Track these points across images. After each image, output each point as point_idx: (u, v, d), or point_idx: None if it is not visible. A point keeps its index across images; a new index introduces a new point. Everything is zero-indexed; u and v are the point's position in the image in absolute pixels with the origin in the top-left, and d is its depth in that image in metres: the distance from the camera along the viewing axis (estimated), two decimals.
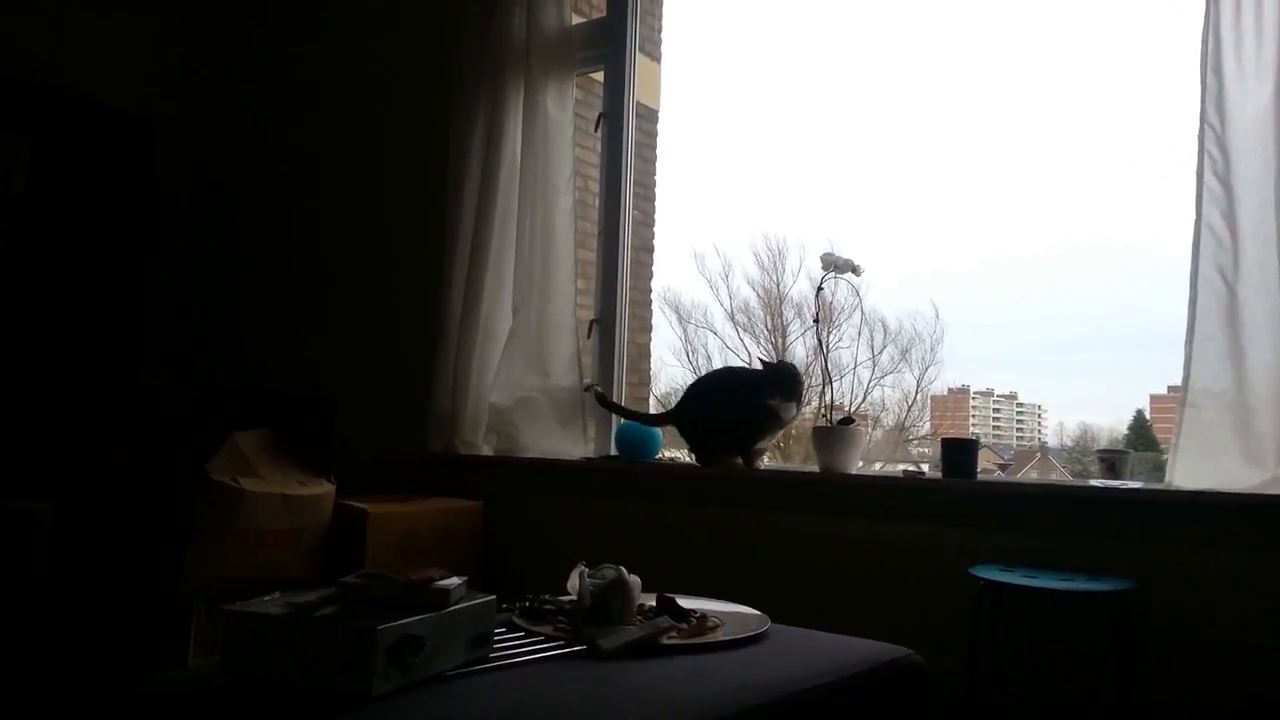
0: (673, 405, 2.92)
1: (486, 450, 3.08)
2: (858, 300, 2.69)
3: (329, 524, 2.54)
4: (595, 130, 3.21)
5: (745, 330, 3.54)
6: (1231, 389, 2.08)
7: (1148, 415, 2.88)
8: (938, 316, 3.08)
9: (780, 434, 2.71)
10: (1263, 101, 2.09)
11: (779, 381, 2.62)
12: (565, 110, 3.10)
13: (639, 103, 3.22)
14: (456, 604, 1.41)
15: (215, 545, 2.29)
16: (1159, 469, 2.30)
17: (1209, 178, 2.14)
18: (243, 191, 3.95)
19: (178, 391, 3.33)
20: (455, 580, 1.44)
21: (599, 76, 3.24)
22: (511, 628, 1.62)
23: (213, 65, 3.96)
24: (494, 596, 1.50)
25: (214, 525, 2.29)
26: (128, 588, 2.37)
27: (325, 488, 2.54)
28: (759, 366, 2.67)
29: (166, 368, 3.72)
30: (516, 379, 3.05)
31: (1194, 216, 2.15)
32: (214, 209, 3.95)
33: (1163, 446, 2.45)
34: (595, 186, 3.24)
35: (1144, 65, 2.70)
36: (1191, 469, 2.11)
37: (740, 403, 2.65)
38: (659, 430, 2.96)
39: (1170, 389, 2.50)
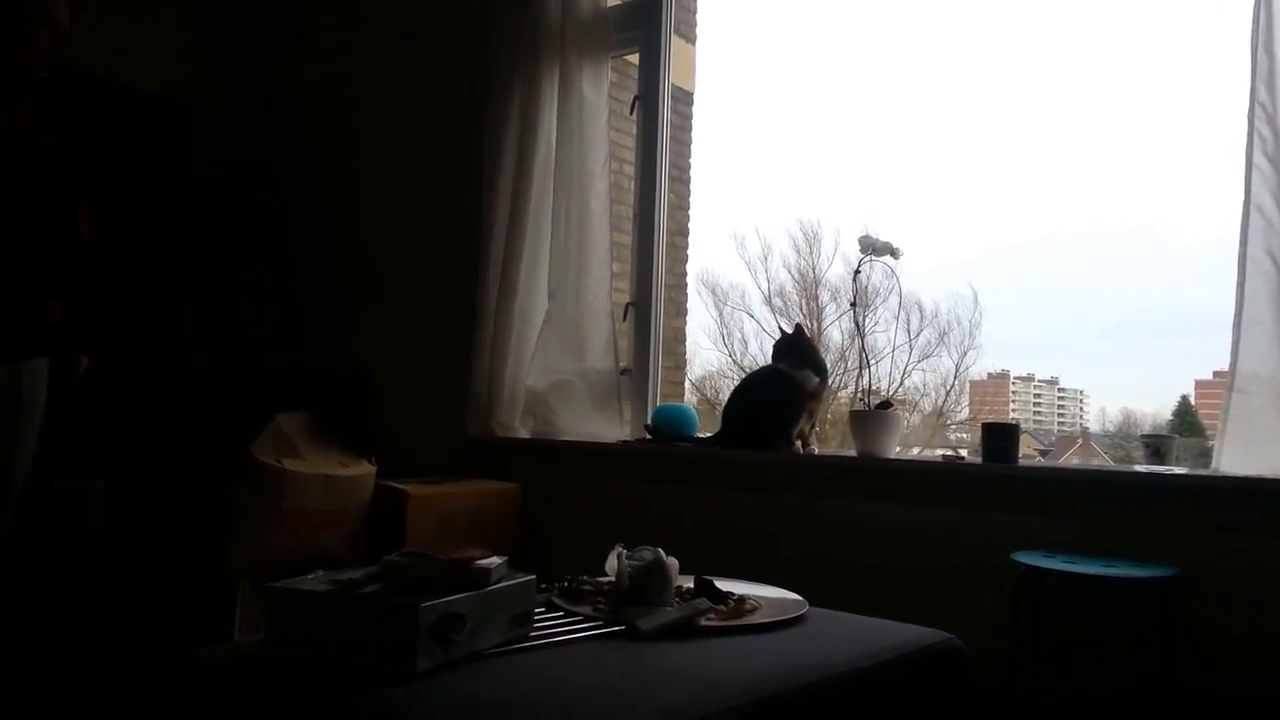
0: (707, 389, 2.92)
1: (523, 433, 3.10)
2: (894, 283, 2.67)
3: (370, 505, 2.58)
4: (630, 113, 3.20)
5: (780, 314, 3.52)
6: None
7: (1193, 401, 2.83)
8: (976, 300, 3.05)
9: (814, 413, 2.69)
10: None
11: (784, 344, 2.66)
12: (600, 93, 3.10)
13: (674, 85, 3.20)
14: (497, 583, 1.42)
15: (259, 525, 2.33)
16: (1204, 455, 2.26)
17: (1258, 158, 2.09)
18: (285, 178, 3.99)
19: (223, 376, 3.39)
20: (496, 560, 1.45)
21: (634, 59, 3.23)
22: (551, 608, 1.64)
23: (254, 54, 3.99)
24: (534, 576, 1.51)
25: (258, 505, 2.33)
26: (175, 567, 2.42)
27: (366, 469, 2.57)
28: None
29: (212, 352, 3.78)
30: (553, 362, 3.06)
31: (1242, 198, 2.11)
32: (257, 196, 3.99)
33: (1209, 432, 2.41)
34: (630, 170, 3.23)
35: (1192, 43, 2.64)
36: (1239, 455, 2.07)
37: (766, 387, 2.68)
38: (693, 410, 2.96)
39: (1216, 374, 2.46)
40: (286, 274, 3.96)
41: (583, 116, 3.08)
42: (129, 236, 3.57)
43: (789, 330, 2.71)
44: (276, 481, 2.32)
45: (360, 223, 3.78)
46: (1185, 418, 2.81)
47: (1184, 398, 2.85)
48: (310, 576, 1.44)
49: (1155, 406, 2.94)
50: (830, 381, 2.73)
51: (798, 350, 2.65)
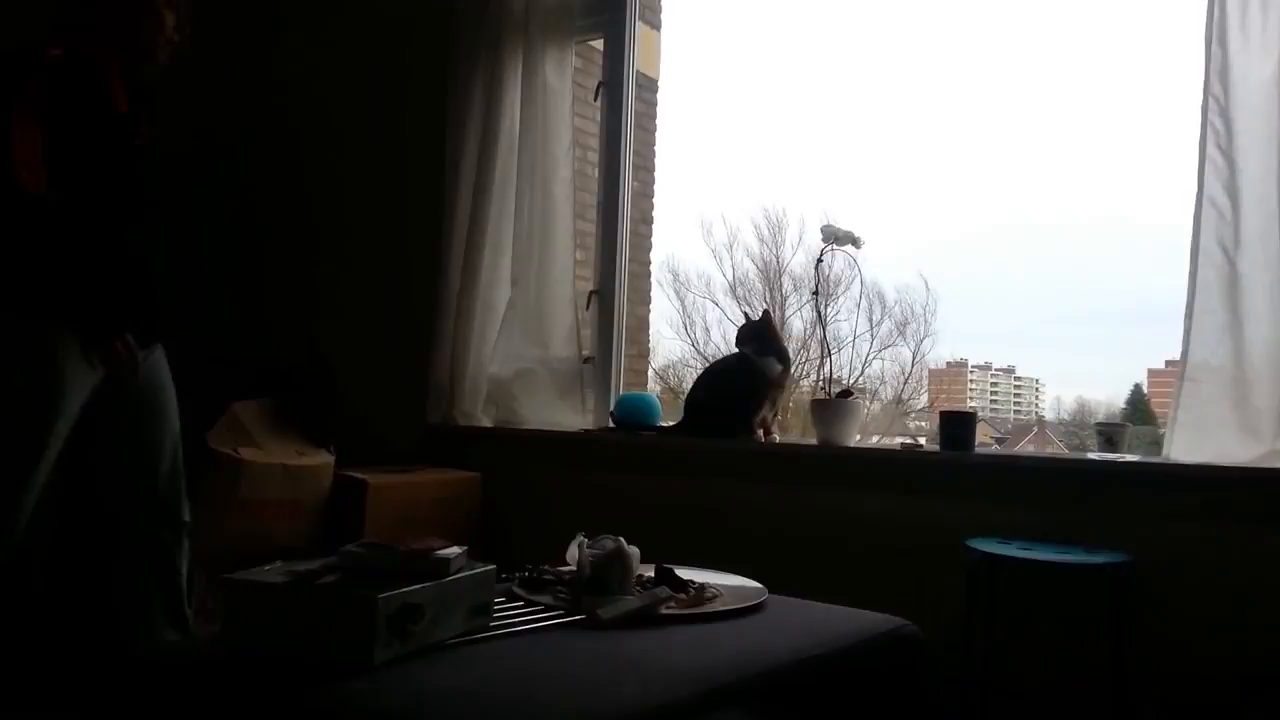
0: (671, 378, 2.93)
1: (485, 422, 3.09)
2: (856, 273, 2.69)
3: (329, 494, 2.56)
4: (595, 99, 3.18)
5: (744, 303, 3.54)
6: (1230, 363, 2.09)
7: (1145, 390, 2.89)
8: (928, 288, 3.09)
9: (776, 401, 2.71)
10: (1267, 73, 2.08)
11: (749, 329, 2.67)
12: (564, 79, 3.08)
13: (639, 72, 3.19)
14: (457, 573, 1.41)
15: (217, 515, 2.30)
16: (1156, 443, 2.31)
17: (1211, 150, 2.13)
18: (248, 162, 3.92)
19: (179, 362, 3.33)
20: (455, 550, 1.44)
21: (598, 45, 3.21)
22: (511, 597, 1.63)
23: (220, 35, 3.90)
24: (494, 566, 1.50)
25: (215, 495, 2.30)
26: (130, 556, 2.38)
27: (325, 458, 2.55)
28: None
29: (169, 339, 3.70)
30: (515, 350, 3.05)
31: (1195, 189, 2.15)
32: (218, 178, 3.92)
33: (1160, 421, 2.45)
34: (594, 157, 3.22)
35: (1147, 37, 2.68)
36: (1189, 443, 2.12)
37: (729, 376, 2.70)
38: (656, 399, 2.97)
39: (1168, 363, 2.50)
40: (246, 259, 3.90)
41: (546, 102, 3.06)
42: None
43: (756, 317, 2.72)
44: (233, 471, 2.29)
45: (322, 208, 3.73)
46: (1138, 406, 2.86)
47: (1137, 386, 2.91)
48: (268, 567, 1.42)
49: (1109, 395, 3.00)
50: (792, 370, 2.75)
51: (763, 337, 2.66)
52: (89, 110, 2.01)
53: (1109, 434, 2.27)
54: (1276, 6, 2.08)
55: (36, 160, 1.88)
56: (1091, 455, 2.29)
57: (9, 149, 1.87)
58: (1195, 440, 2.11)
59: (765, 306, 3.07)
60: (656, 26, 3.34)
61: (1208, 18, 2.15)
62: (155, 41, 2.15)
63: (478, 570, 1.46)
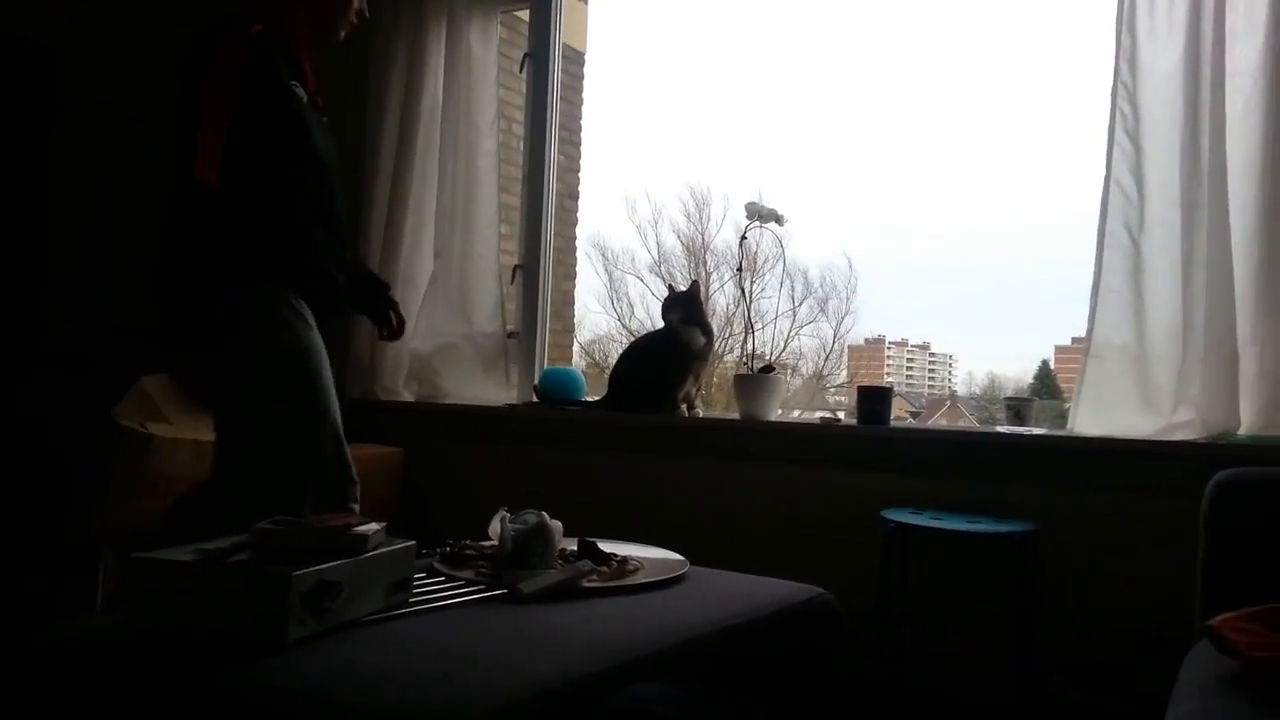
0: (596, 353, 2.93)
1: (407, 397, 3.05)
2: (780, 251, 2.72)
3: None
4: (520, 71, 3.14)
5: (669, 279, 3.55)
6: (1132, 341, 2.17)
7: (1052, 365, 2.99)
8: (851, 267, 3.14)
9: (699, 376, 2.73)
10: (1173, 59, 2.15)
11: (676, 298, 2.68)
12: (489, 49, 3.03)
13: (566, 44, 3.16)
14: (374, 549, 1.40)
15: (125, 492, 2.23)
16: (1061, 417, 2.39)
17: (1120, 135, 2.20)
18: (156, 127, 3.77)
19: (85, 333, 3.20)
20: (374, 526, 1.42)
21: (524, 15, 3.17)
22: (432, 573, 1.62)
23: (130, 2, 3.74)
24: (413, 542, 1.49)
25: (123, 472, 2.23)
26: (35, 535, 2.30)
27: None
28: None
29: (73, 308, 3.56)
30: (438, 325, 3.01)
31: (1104, 173, 2.22)
32: (121, 146, 3.76)
33: (1066, 396, 2.54)
34: (519, 129, 3.18)
35: (1061, 25, 2.75)
36: (1093, 417, 2.20)
37: (652, 350, 2.71)
38: (581, 374, 2.96)
39: (1074, 340, 2.60)
40: (152, 227, 3.75)
41: (470, 73, 3.01)
42: None
43: (684, 287, 2.72)
44: (141, 447, 2.21)
45: None
46: (1045, 381, 2.96)
47: (1044, 363, 3.01)
48: (178, 546, 1.39)
49: (1019, 371, 3.10)
50: (715, 345, 2.77)
51: (690, 305, 2.66)
52: (286, 86, 1.97)
53: (1017, 408, 2.35)
54: None
55: (215, 151, 1.82)
56: (1001, 429, 2.37)
57: (193, 135, 1.81)
58: (1099, 414, 2.19)
59: (695, 278, 3.09)
60: None
61: (1118, 5, 2.21)
62: (342, 19, 2.13)
63: (396, 546, 1.44)
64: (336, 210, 2.10)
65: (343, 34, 2.17)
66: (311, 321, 2.00)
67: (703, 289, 2.83)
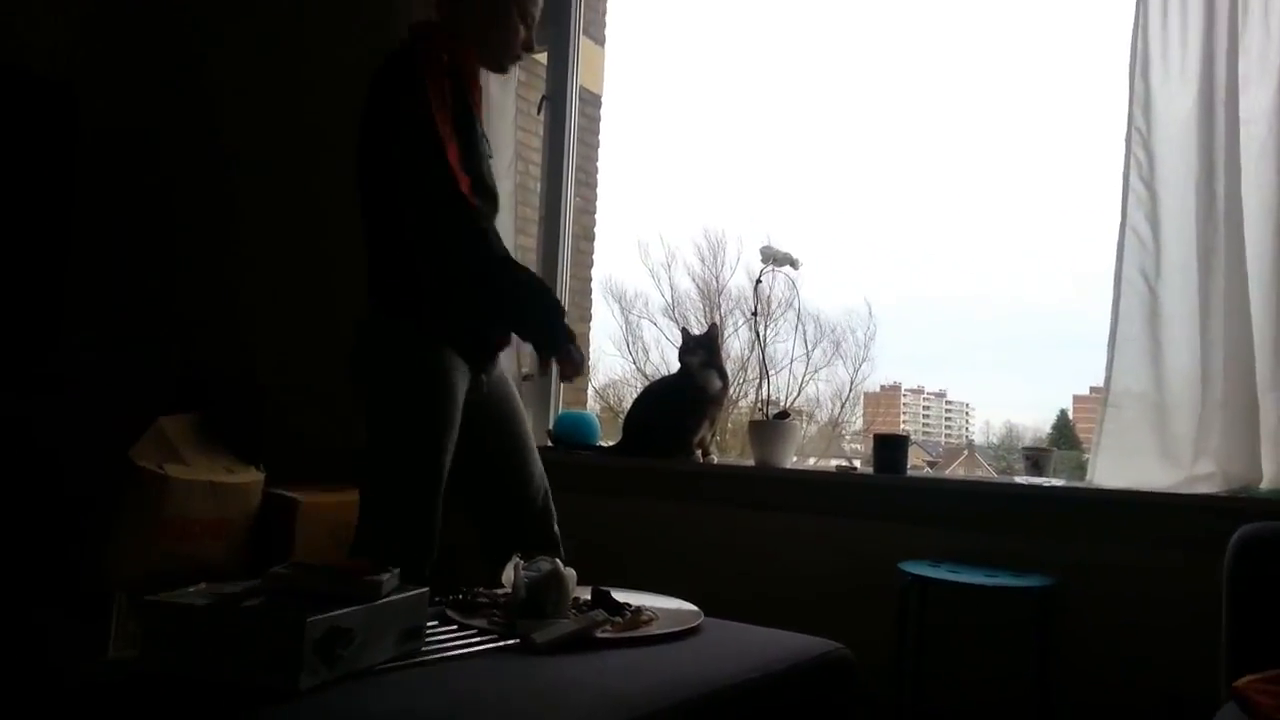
0: (611, 397, 2.93)
1: None
2: (795, 294, 2.72)
3: (257, 513, 2.49)
4: (538, 113, 3.17)
5: (683, 322, 3.55)
6: (1151, 389, 2.15)
7: (1070, 415, 2.97)
8: (870, 314, 3.14)
9: (715, 421, 2.72)
10: (1187, 105, 2.16)
11: (696, 340, 2.68)
12: (508, 92, 3.07)
13: (583, 87, 3.19)
14: (388, 596, 1.39)
15: (140, 533, 2.23)
16: (1080, 467, 2.37)
17: (1135, 181, 2.21)
18: (180, 168, 3.83)
19: (104, 373, 3.23)
20: (387, 572, 1.42)
21: (542, 58, 3.21)
22: (444, 621, 1.61)
23: (149, 34, 3.82)
24: (426, 589, 1.48)
25: (138, 513, 2.23)
26: (47, 577, 2.30)
27: (254, 475, 2.48)
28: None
29: (92, 348, 3.59)
30: None
31: (1119, 220, 2.22)
32: (147, 181, 3.81)
33: (1085, 445, 2.52)
34: (536, 171, 3.20)
35: (1075, 72, 2.77)
36: (1112, 468, 2.18)
37: (667, 394, 2.70)
38: (595, 418, 2.96)
39: (1093, 389, 2.58)
40: (174, 265, 3.80)
41: (488, 114, 3.03)
42: (4, 217, 3.37)
43: (702, 330, 2.72)
44: (157, 488, 2.22)
45: (255, 221, 3.65)
46: (1063, 431, 2.94)
47: (1063, 412, 2.99)
48: (191, 589, 1.38)
49: (1036, 420, 3.07)
50: (731, 390, 2.77)
51: (708, 350, 2.66)
52: (468, 119, 1.96)
53: (1035, 458, 2.32)
54: (1195, 40, 2.15)
55: (459, 165, 1.84)
56: (1019, 479, 2.34)
57: (443, 151, 1.81)
58: (1118, 465, 2.17)
59: (714, 321, 3.09)
60: (601, 42, 3.35)
61: (1131, 51, 2.22)
62: (509, 53, 2.10)
63: (410, 593, 1.43)
64: (501, 244, 2.00)
65: (508, 67, 2.15)
66: (448, 363, 1.93)
67: (722, 338, 2.83)
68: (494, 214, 2.01)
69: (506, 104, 3.05)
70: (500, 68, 2.13)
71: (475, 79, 2.04)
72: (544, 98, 3.15)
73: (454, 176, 1.82)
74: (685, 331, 2.72)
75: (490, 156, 2.08)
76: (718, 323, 3.00)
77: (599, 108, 3.35)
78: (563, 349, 1.99)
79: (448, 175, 1.83)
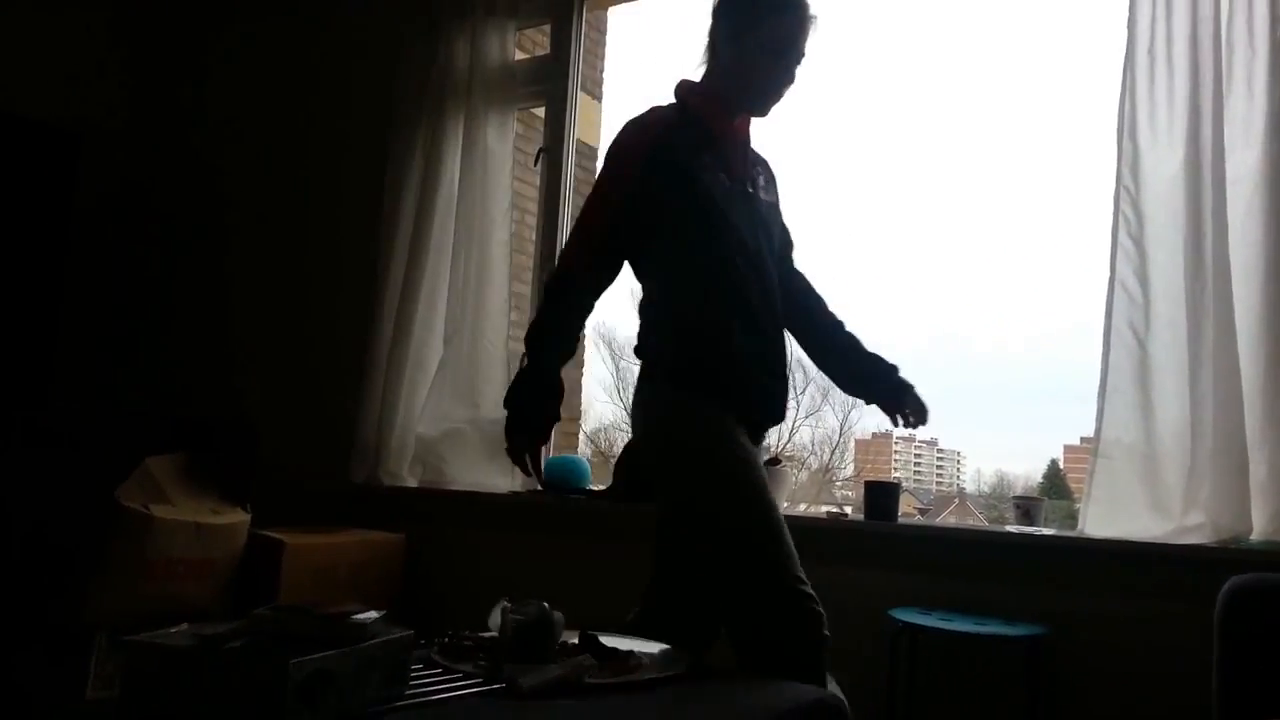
0: (602, 442, 2.92)
1: (412, 482, 3.03)
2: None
3: (243, 554, 2.47)
4: (535, 165, 3.22)
5: None
6: (1141, 441, 2.16)
7: (1061, 464, 2.97)
8: None
9: None
10: (1174, 166, 2.20)
11: None
12: (505, 143, 3.11)
13: (579, 140, 3.24)
14: (373, 639, 1.37)
15: (123, 574, 2.20)
16: (1071, 517, 2.37)
17: (1123, 238, 2.24)
18: (175, 214, 3.86)
19: (90, 413, 3.22)
20: (372, 614, 1.40)
21: (540, 112, 3.26)
22: (430, 664, 1.59)
23: (152, 85, 3.87)
24: (412, 632, 1.46)
25: (123, 553, 2.20)
26: (27, 617, 2.26)
27: (240, 516, 2.47)
28: None
29: (84, 391, 3.59)
30: (445, 410, 3.01)
31: (1108, 274, 2.24)
32: (143, 229, 3.85)
33: (1075, 495, 2.52)
34: (533, 220, 3.24)
35: (1064, 131, 2.82)
36: (1102, 518, 2.18)
37: None
38: (587, 462, 2.95)
39: (1083, 439, 2.58)
40: (169, 312, 3.81)
41: (486, 166, 3.08)
42: None
43: None
44: (142, 528, 2.20)
45: (249, 260, 3.67)
46: (1054, 480, 2.94)
47: (1053, 461, 2.99)
48: (174, 630, 1.36)
49: (1027, 469, 3.07)
50: None
51: None
52: (691, 172, 1.87)
53: (1026, 507, 2.32)
54: (1181, 105, 2.20)
55: (575, 241, 1.86)
56: (1010, 528, 2.34)
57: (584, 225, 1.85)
58: (1108, 515, 2.17)
59: None
60: (597, 97, 3.41)
61: (1119, 113, 2.27)
62: (773, 98, 1.97)
63: (395, 636, 1.42)
64: (770, 304, 1.93)
65: (766, 114, 2.02)
66: (723, 433, 1.83)
67: None
68: (749, 271, 1.88)
69: (504, 155, 3.10)
70: (762, 111, 1.99)
71: (727, 126, 1.96)
72: (541, 150, 3.20)
73: (579, 251, 1.84)
74: None
75: (760, 202, 1.98)
76: None
77: (595, 160, 3.40)
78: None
79: (572, 251, 1.85)
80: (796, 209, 2.17)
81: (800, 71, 1.97)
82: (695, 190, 1.86)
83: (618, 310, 3.63)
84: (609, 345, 3.67)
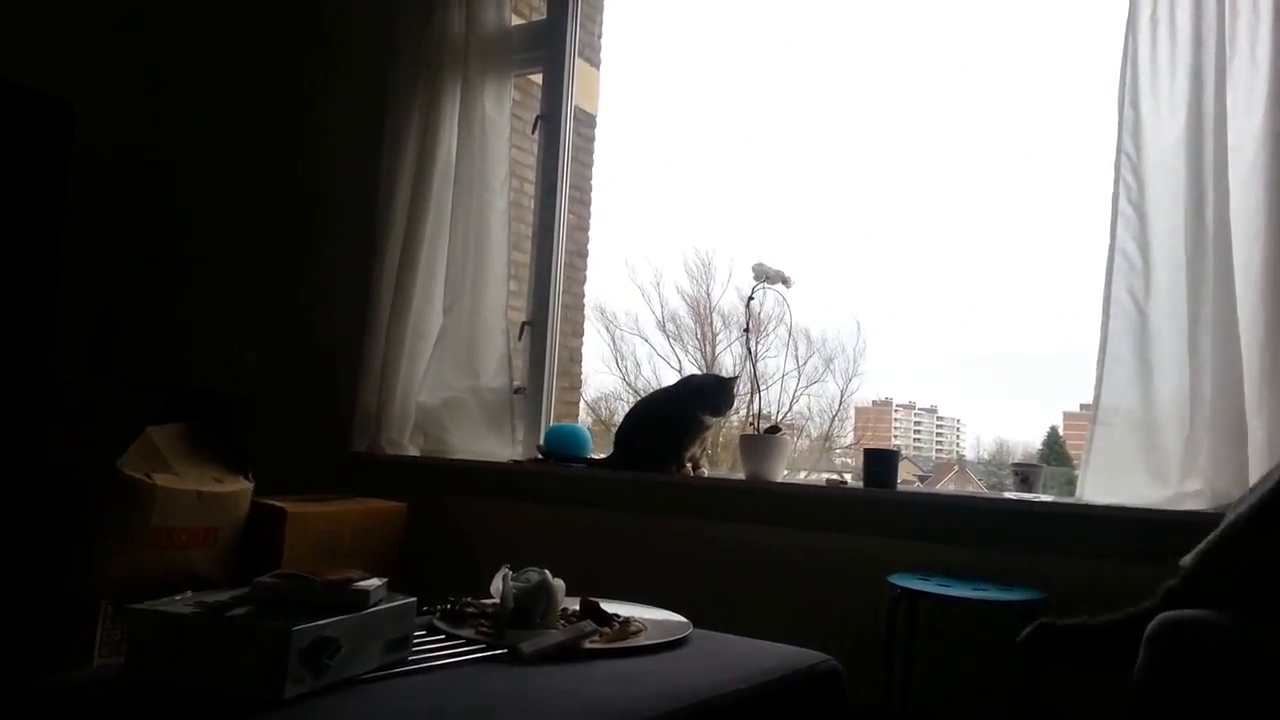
0: (602, 410, 2.93)
1: (412, 450, 3.04)
2: (785, 311, 2.73)
3: (245, 522, 2.48)
4: (532, 132, 3.19)
5: (674, 339, 3.56)
6: (1139, 408, 2.17)
7: (1061, 431, 2.98)
8: (859, 330, 3.14)
9: (706, 437, 2.73)
10: (1175, 132, 2.18)
11: (710, 387, 2.67)
12: (502, 111, 3.09)
13: (577, 107, 3.22)
14: (375, 606, 1.38)
15: (126, 543, 2.21)
16: (1070, 484, 2.38)
17: (1124, 204, 2.23)
18: (174, 182, 3.84)
19: (91, 384, 3.22)
20: (375, 581, 1.41)
21: (537, 79, 3.23)
22: (432, 630, 1.60)
23: (149, 52, 3.84)
24: (414, 598, 1.47)
25: (125, 522, 2.21)
26: (33, 585, 2.28)
27: (242, 485, 2.47)
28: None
29: (82, 361, 3.59)
30: (445, 379, 3.02)
31: (1108, 241, 2.23)
32: (140, 198, 3.83)
33: (1074, 462, 2.53)
34: (531, 188, 3.23)
35: (1066, 97, 2.79)
36: (1101, 484, 2.19)
37: (661, 413, 2.70)
38: (587, 431, 2.96)
39: (1083, 407, 2.59)
40: (168, 279, 3.80)
41: (484, 133, 3.06)
42: None
43: (720, 376, 2.71)
44: (145, 497, 2.21)
45: (249, 230, 3.66)
46: (1053, 447, 2.95)
47: (1053, 429, 3.00)
48: (178, 598, 1.38)
49: (1027, 436, 3.08)
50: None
51: (728, 399, 2.65)
52: None
53: (1025, 474, 2.33)
54: (1183, 71, 2.18)
55: None
56: (1009, 495, 2.35)
57: None
58: (1106, 482, 2.18)
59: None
60: (595, 64, 3.38)
61: (1120, 80, 2.25)
62: None
63: (397, 603, 1.43)
64: None
65: None
66: None
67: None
68: None
69: (502, 123, 3.08)
70: None
71: None
72: (539, 117, 3.18)
73: None
74: (700, 382, 2.70)
75: None
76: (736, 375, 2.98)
77: (594, 127, 3.38)
78: None
79: None
80: (800, 173, 2.16)
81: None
82: None
83: (618, 280, 3.63)
84: (606, 316, 3.67)
